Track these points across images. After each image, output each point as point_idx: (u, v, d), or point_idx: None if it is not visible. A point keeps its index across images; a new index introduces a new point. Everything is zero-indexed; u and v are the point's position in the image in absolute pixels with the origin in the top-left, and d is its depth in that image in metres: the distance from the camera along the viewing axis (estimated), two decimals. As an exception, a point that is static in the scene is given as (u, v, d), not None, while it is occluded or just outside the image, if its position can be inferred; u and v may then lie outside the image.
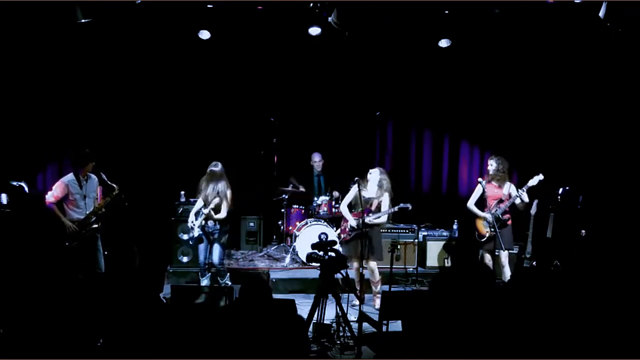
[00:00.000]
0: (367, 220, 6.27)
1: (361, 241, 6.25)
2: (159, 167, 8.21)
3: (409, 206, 6.38)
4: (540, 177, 6.45)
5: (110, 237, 6.56)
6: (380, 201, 6.46)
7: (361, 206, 6.39)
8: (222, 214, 6.47)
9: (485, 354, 3.08)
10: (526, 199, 6.53)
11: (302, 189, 8.29)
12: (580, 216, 7.06)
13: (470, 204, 6.75)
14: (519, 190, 6.52)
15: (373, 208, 6.44)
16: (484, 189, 6.54)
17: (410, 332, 3.59)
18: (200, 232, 6.53)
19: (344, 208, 6.66)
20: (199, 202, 6.62)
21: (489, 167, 6.69)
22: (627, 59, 7.17)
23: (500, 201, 6.60)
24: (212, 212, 6.45)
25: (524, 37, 7.44)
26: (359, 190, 6.31)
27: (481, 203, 6.70)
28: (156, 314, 3.57)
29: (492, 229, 6.41)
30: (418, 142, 9.01)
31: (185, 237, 7.24)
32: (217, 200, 6.41)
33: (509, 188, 6.67)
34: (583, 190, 7.14)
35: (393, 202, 6.45)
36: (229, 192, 6.51)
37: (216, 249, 6.59)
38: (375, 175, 6.50)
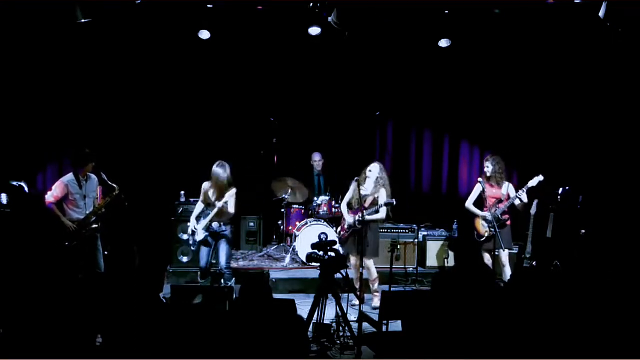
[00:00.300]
0: (359, 217, 6.26)
1: (357, 238, 6.27)
2: (159, 167, 8.21)
3: (394, 201, 6.35)
4: (540, 178, 6.45)
5: (110, 237, 6.56)
6: (376, 197, 6.44)
7: (357, 203, 6.39)
8: (232, 209, 6.34)
9: (485, 353, 3.08)
10: (525, 200, 6.52)
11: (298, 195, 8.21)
12: (580, 216, 7.06)
13: (469, 203, 6.76)
14: (519, 191, 6.52)
15: (367, 205, 6.40)
16: (483, 189, 6.54)
17: (410, 332, 3.59)
18: (206, 234, 6.37)
19: (343, 206, 6.67)
20: (199, 206, 6.48)
21: (486, 169, 6.70)
22: (627, 59, 7.17)
23: (500, 201, 6.61)
24: (227, 206, 6.25)
25: (524, 37, 7.44)
26: (359, 188, 6.31)
27: (480, 203, 6.70)
28: (156, 314, 3.57)
29: (492, 229, 6.42)
30: (418, 142, 9.01)
31: (185, 237, 7.20)
32: (230, 192, 6.27)
33: (507, 188, 6.67)
34: (583, 190, 7.13)
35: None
36: (233, 190, 6.43)
37: (223, 250, 6.39)
38: (374, 172, 6.48)
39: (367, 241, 6.30)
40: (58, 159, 7.83)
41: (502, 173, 6.67)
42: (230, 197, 6.29)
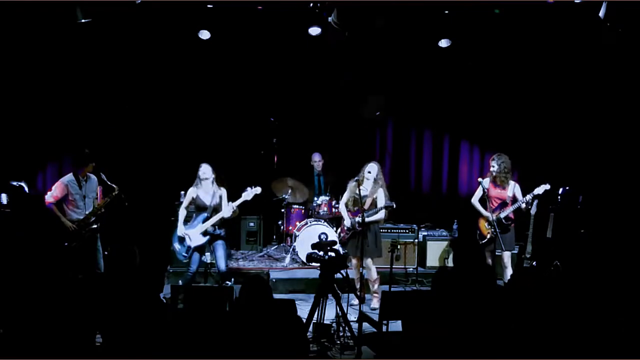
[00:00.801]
0: (359, 219, 6.24)
1: (358, 240, 6.26)
2: (159, 167, 8.21)
3: (393, 204, 6.29)
4: (547, 186, 6.29)
5: (110, 237, 6.55)
6: (375, 198, 6.41)
7: (357, 205, 6.37)
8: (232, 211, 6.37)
9: (485, 353, 3.08)
10: (529, 206, 6.46)
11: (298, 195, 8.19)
12: (580, 216, 7.05)
13: (474, 200, 6.63)
14: (525, 197, 6.39)
15: (367, 206, 6.36)
16: (484, 190, 6.45)
17: (410, 332, 3.59)
18: (206, 238, 6.29)
19: (342, 207, 6.66)
20: (183, 212, 6.41)
21: (491, 168, 6.51)
22: (627, 59, 7.17)
23: (505, 203, 6.46)
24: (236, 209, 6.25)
25: (524, 37, 7.43)
26: (359, 188, 6.27)
27: (483, 202, 6.61)
28: (156, 314, 3.57)
29: (493, 231, 6.34)
30: (418, 142, 9.00)
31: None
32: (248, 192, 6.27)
33: (513, 188, 6.50)
34: (583, 190, 7.13)
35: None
36: (258, 189, 6.39)
37: (220, 253, 6.33)
38: (373, 172, 6.42)
39: (367, 241, 6.28)
40: (58, 159, 7.85)
41: (507, 173, 6.47)
42: (248, 196, 6.28)
